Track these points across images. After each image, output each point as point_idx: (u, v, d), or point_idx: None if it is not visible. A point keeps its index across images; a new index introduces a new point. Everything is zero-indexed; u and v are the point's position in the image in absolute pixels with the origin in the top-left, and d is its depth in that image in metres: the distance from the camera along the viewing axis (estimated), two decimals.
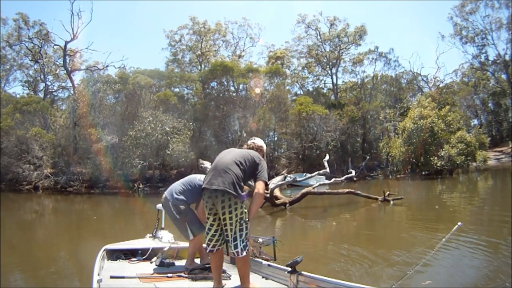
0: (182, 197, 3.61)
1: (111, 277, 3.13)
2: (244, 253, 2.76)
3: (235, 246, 2.74)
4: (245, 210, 2.83)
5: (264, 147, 3.38)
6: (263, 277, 3.27)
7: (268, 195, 11.68)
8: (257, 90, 28.22)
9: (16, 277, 5.33)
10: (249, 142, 3.36)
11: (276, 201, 11.94)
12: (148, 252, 3.95)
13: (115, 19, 59.64)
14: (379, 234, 7.96)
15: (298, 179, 14.29)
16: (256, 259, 3.41)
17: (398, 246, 6.16)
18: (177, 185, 3.76)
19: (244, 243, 2.78)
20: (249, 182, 3.16)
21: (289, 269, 2.89)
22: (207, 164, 14.27)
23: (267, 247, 3.49)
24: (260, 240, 3.43)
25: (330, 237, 7.80)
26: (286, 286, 2.94)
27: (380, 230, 8.62)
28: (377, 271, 4.76)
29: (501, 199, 12.20)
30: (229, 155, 3.02)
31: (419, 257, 3.96)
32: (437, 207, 10.78)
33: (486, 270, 4.68)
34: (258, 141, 3.35)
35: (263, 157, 3.22)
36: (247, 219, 2.83)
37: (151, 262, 3.77)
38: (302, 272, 2.84)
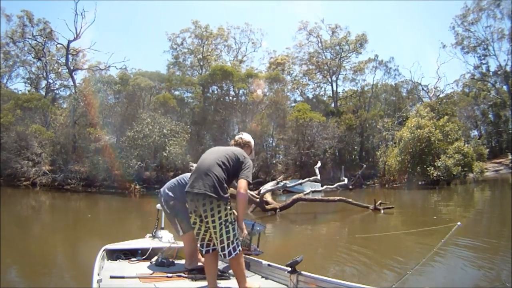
0: (170, 193, 3.62)
1: (111, 277, 3.13)
2: (234, 254, 2.71)
3: (222, 249, 2.70)
4: (230, 212, 2.78)
5: (252, 142, 3.28)
6: (263, 277, 3.28)
7: (258, 200, 11.63)
8: (259, 92, 28.27)
9: (14, 277, 5.29)
10: (236, 137, 3.28)
11: (266, 206, 11.83)
12: (148, 252, 3.95)
13: (118, 20, 59.99)
14: (374, 239, 7.91)
15: (288, 185, 14.24)
16: (256, 259, 3.43)
17: (395, 249, 6.16)
18: (170, 182, 3.82)
19: (234, 244, 2.72)
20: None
21: (289, 269, 2.90)
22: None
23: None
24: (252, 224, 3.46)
25: (321, 242, 7.76)
26: (286, 286, 2.96)
27: (374, 235, 8.59)
28: (377, 272, 4.78)
29: (499, 206, 12.25)
30: (212, 156, 2.94)
31: (418, 257, 3.98)
32: (435, 217, 10.77)
33: (486, 271, 4.71)
34: (246, 136, 3.27)
35: (250, 152, 3.16)
36: (233, 220, 2.78)
37: (151, 262, 3.76)
38: (302, 272, 2.86)
